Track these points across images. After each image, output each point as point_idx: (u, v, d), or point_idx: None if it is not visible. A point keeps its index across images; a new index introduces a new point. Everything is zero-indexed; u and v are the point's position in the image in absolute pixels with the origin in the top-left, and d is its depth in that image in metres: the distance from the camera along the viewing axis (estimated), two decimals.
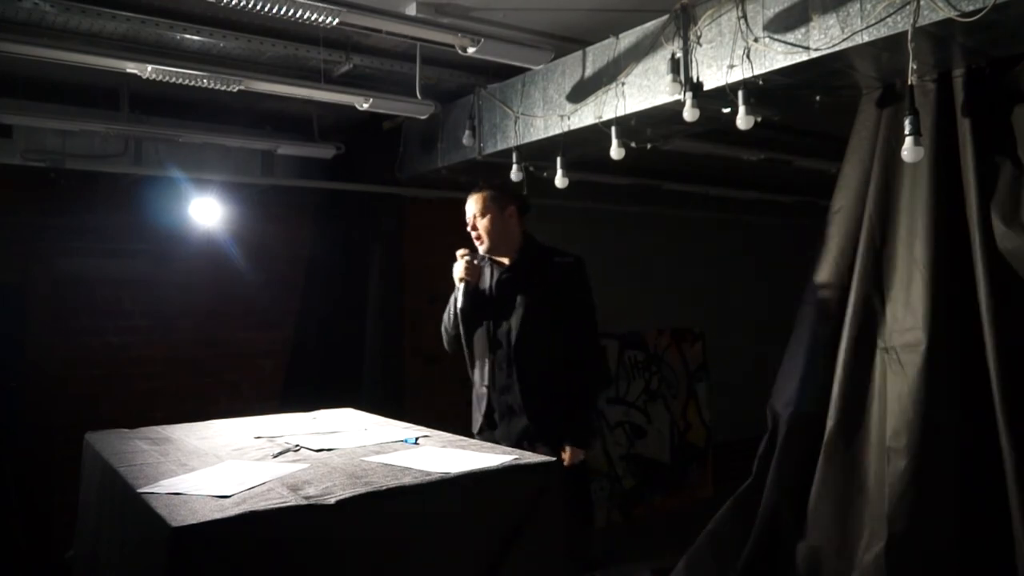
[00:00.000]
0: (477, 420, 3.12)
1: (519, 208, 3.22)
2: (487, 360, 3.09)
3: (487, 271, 3.18)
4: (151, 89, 3.77)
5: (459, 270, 3.13)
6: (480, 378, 3.13)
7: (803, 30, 2.83)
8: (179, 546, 1.47)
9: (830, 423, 3.08)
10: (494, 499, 1.90)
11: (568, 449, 3.00)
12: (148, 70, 3.37)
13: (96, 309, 4.68)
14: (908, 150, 2.66)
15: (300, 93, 3.80)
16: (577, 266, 3.12)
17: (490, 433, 3.03)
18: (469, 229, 3.17)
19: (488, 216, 3.12)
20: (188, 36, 3.46)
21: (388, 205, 5.31)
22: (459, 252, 3.17)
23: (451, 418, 3.27)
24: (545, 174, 4.39)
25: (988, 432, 2.76)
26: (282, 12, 2.94)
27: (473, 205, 3.16)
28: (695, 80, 3.19)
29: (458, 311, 3.12)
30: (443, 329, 3.22)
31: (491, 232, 3.13)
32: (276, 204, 5.22)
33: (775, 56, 2.93)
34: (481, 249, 3.16)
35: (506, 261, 3.16)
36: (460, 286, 3.11)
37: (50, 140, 4.43)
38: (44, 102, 4.22)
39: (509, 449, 2.18)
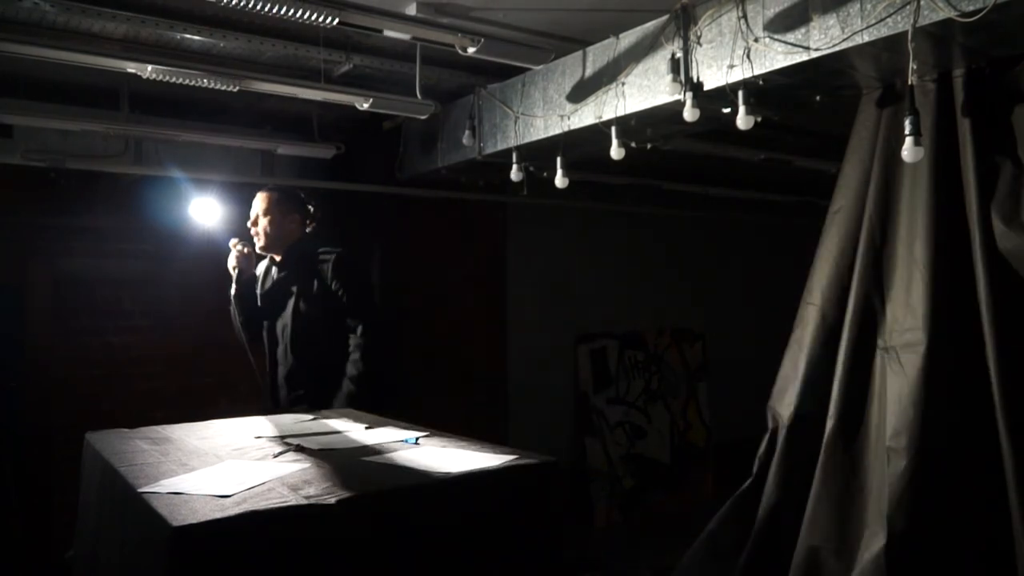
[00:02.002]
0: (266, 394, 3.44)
1: (303, 216, 3.48)
2: (270, 353, 3.42)
3: (266, 269, 3.49)
4: (151, 89, 3.77)
5: (231, 260, 3.45)
6: (276, 375, 3.42)
7: (803, 30, 2.83)
8: (180, 545, 1.47)
9: (830, 423, 3.08)
10: (494, 499, 1.90)
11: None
12: (148, 70, 3.37)
13: (96, 309, 4.68)
14: (908, 150, 2.66)
15: (300, 93, 3.79)
16: (337, 261, 3.33)
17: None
18: (249, 224, 3.46)
19: (268, 217, 3.40)
20: (188, 36, 3.46)
21: (388, 205, 5.31)
22: (231, 242, 3.46)
23: (451, 418, 3.27)
24: (545, 174, 4.39)
25: (988, 432, 2.76)
26: (282, 12, 2.93)
27: (258, 204, 3.45)
28: (695, 80, 3.19)
29: (231, 296, 3.42)
30: (233, 322, 3.53)
31: (268, 232, 3.42)
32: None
33: (775, 56, 2.93)
34: (257, 245, 3.43)
35: (276, 258, 3.47)
36: (233, 275, 3.43)
37: (50, 140, 4.43)
38: (44, 102, 4.22)
39: (509, 449, 2.18)
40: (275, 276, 3.46)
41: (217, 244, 4.90)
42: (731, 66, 3.06)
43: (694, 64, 3.20)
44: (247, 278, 3.44)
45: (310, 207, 3.61)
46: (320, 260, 3.37)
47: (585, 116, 3.67)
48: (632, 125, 3.65)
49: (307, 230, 3.56)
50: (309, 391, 3.32)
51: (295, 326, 3.34)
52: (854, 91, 3.22)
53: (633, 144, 3.84)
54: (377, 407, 3.04)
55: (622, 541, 5.46)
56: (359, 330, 3.27)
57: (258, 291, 3.55)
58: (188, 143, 4.56)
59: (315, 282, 3.33)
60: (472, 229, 5.86)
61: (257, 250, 3.43)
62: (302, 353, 3.34)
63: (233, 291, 3.41)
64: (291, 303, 3.37)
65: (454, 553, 1.80)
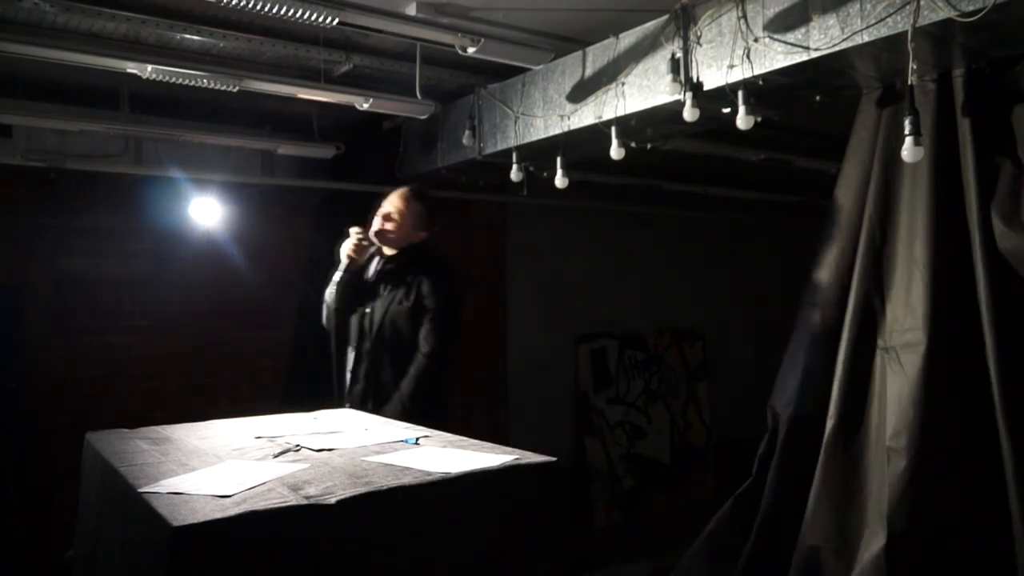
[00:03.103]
0: (345, 389, 3.39)
1: (430, 226, 3.47)
2: (355, 343, 3.37)
3: (373, 264, 3.43)
4: (151, 89, 3.77)
5: (348, 246, 3.37)
6: (344, 364, 3.39)
7: (803, 30, 2.83)
8: (180, 546, 1.47)
9: (830, 423, 3.08)
10: (494, 499, 1.90)
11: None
12: (148, 70, 3.37)
13: (96, 309, 4.68)
14: (908, 150, 2.66)
15: (300, 93, 3.80)
16: (439, 275, 3.34)
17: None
18: (380, 216, 3.40)
19: (400, 218, 3.39)
20: (188, 36, 3.46)
21: None
22: (352, 230, 3.39)
23: (451, 418, 3.27)
24: (545, 174, 4.39)
25: (988, 432, 2.76)
26: (282, 12, 2.93)
27: (395, 201, 3.42)
28: (695, 80, 3.19)
29: (335, 282, 3.37)
30: (324, 304, 3.44)
31: (394, 231, 3.40)
32: (276, 204, 5.22)
33: (775, 56, 2.93)
34: (374, 235, 3.39)
35: (389, 254, 3.43)
36: (344, 261, 3.37)
37: (50, 140, 4.44)
38: (44, 102, 4.22)
39: (509, 449, 2.18)
40: (379, 269, 3.46)
41: (217, 244, 4.92)
42: (731, 66, 3.06)
43: (694, 64, 3.20)
44: (356, 268, 3.42)
45: (436, 221, 3.60)
46: (427, 268, 3.36)
47: (585, 116, 3.67)
48: (632, 125, 3.65)
49: (425, 236, 3.53)
50: (379, 390, 3.32)
51: (383, 323, 3.33)
52: (854, 91, 3.22)
53: (633, 144, 3.84)
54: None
55: (622, 541, 5.46)
56: (426, 349, 3.27)
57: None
58: (188, 143, 4.56)
59: (415, 288, 3.32)
60: (472, 229, 5.86)
61: (373, 240, 3.41)
62: (383, 352, 3.33)
63: (339, 277, 3.37)
64: (387, 301, 3.35)
65: (454, 553, 1.80)
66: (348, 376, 3.39)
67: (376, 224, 3.41)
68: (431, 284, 3.31)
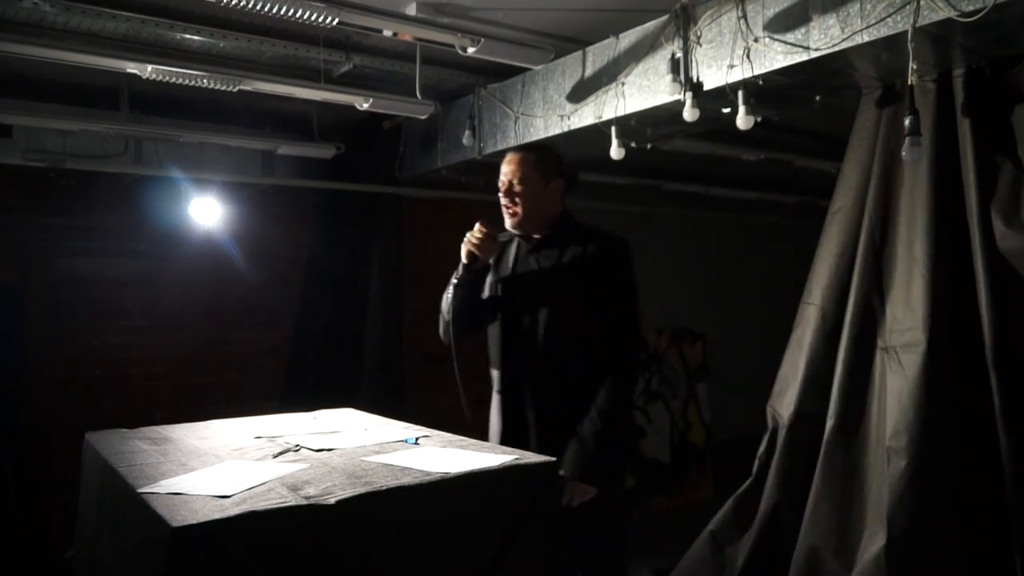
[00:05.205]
0: (495, 430, 2.57)
1: (566, 182, 2.57)
2: (499, 360, 2.55)
3: (511, 253, 2.59)
4: (151, 89, 3.77)
5: (470, 239, 2.52)
6: (495, 382, 2.58)
7: (803, 30, 2.83)
8: (179, 546, 1.47)
9: (830, 423, 3.08)
10: (494, 499, 1.90)
11: (567, 481, 2.21)
12: (148, 70, 3.37)
13: (96, 309, 4.68)
14: (908, 150, 2.66)
15: (300, 93, 3.80)
16: (621, 247, 2.53)
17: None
18: (501, 195, 2.55)
19: (525, 186, 2.49)
20: (188, 36, 3.46)
21: (388, 205, 5.31)
22: (477, 224, 2.55)
23: (451, 418, 3.26)
24: None
25: (988, 432, 2.76)
26: (282, 12, 2.93)
27: (511, 168, 2.52)
28: (695, 80, 3.19)
29: (452, 286, 2.53)
30: (440, 316, 2.64)
31: (526, 203, 2.48)
32: (276, 204, 5.23)
33: (775, 56, 2.93)
34: (510, 223, 2.54)
35: (536, 237, 2.54)
36: (464, 260, 2.53)
37: (50, 140, 4.43)
38: (44, 102, 4.22)
39: (509, 449, 2.18)
40: (524, 260, 2.55)
41: (217, 244, 4.92)
42: (731, 66, 3.06)
43: (694, 64, 3.20)
44: (480, 267, 2.55)
45: (572, 167, 2.66)
46: (594, 243, 2.49)
47: (585, 116, 3.68)
48: (632, 125, 3.65)
49: (563, 204, 2.63)
50: (545, 410, 2.44)
51: (550, 323, 2.42)
52: (854, 91, 3.22)
53: (633, 144, 3.84)
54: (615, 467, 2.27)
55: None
56: (620, 355, 2.41)
57: (489, 280, 2.63)
58: (188, 143, 4.56)
59: (583, 271, 2.44)
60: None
61: (508, 227, 2.55)
62: (547, 361, 2.44)
63: (457, 279, 2.52)
64: (545, 296, 2.45)
65: (454, 553, 1.80)
66: (498, 396, 2.56)
67: (503, 204, 2.56)
68: (612, 258, 2.48)
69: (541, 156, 2.57)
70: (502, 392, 2.53)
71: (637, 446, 2.65)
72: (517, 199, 2.51)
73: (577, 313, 2.42)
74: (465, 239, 2.55)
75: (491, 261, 2.63)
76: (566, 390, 2.38)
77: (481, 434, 2.46)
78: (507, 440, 2.45)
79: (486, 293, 2.62)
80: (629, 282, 2.51)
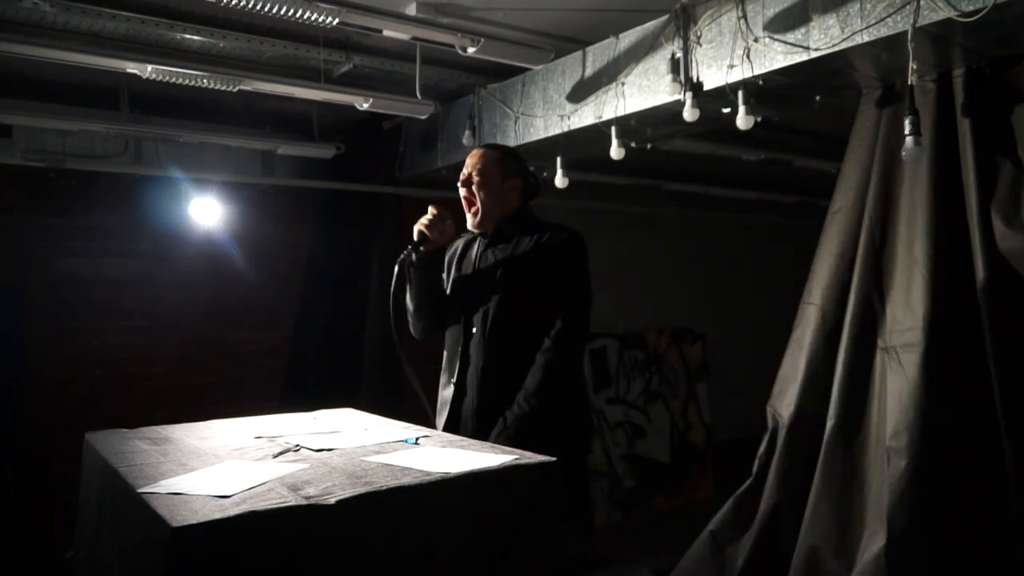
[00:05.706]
0: (441, 416, 2.64)
1: (526, 186, 2.62)
2: (453, 351, 2.61)
3: (473, 251, 2.63)
4: (151, 89, 3.77)
5: (421, 221, 2.53)
6: (446, 376, 2.62)
7: (803, 30, 2.83)
8: (179, 546, 1.47)
9: (830, 423, 3.08)
10: (494, 499, 1.90)
11: None
12: (148, 70, 3.37)
13: (96, 309, 4.68)
14: (908, 150, 2.66)
15: (300, 93, 3.80)
16: (574, 238, 2.53)
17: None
18: (460, 185, 2.59)
19: (482, 179, 2.55)
20: (188, 36, 3.46)
21: (388, 205, 5.31)
22: (431, 207, 2.58)
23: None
24: (545, 174, 4.39)
25: (988, 432, 2.76)
26: (282, 12, 2.94)
27: (472, 161, 2.59)
28: (695, 80, 3.19)
29: (405, 266, 2.56)
30: (408, 313, 2.71)
31: (483, 196, 2.53)
32: (276, 204, 5.22)
33: (775, 56, 2.93)
34: (471, 221, 2.59)
35: (487, 233, 2.59)
36: (415, 238, 2.55)
37: (50, 140, 4.43)
38: (44, 102, 4.22)
39: (509, 449, 2.18)
40: (481, 255, 2.58)
41: (217, 244, 4.92)
42: (731, 66, 3.06)
43: (694, 64, 3.20)
44: (432, 249, 2.56)
45: (533, 173, 2.69)
46: (547, 235, 2.51)
47: (585, 116, 3.68)
48: (632, 125, 3.65)
49: (522, 201, 2.64)
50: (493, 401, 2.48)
51: (498, 316, 2.47)
52: (854, 91, 3.22)
53: (633, 144, 3.85)
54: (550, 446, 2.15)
55: (622, 541, 5.45)
56: (558, 328, 2.40)
57: (448, 278, 2.69)
58: (188, 143, 4.56)
59: (535, 262, 2.48)
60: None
61: (470, 227, 2.59)
62: (495, 351, 2.49)
63: (404, 257, 2.54)
64: (496, 287, 2.49)
65: (454, 553, 1.80)
66: (449, 389, 2.64)
67: (463, 196, 2.59)
68: (565, 249, 2.50)
69: (504, 155, 2.65)
70: (455, 384, 2.63)
71: (587, 424, 2.74)
72: (474, 189, 2.56)
73: (527, 301, 2.47)
74: (420, 221, 2.57)
75: (454, 259, 2.69)
76: (511, 378, 2.43)
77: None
78: (449, 424, 2.58)
79: (448, 291, 2.69)
80: (580, 272, 2.52)
